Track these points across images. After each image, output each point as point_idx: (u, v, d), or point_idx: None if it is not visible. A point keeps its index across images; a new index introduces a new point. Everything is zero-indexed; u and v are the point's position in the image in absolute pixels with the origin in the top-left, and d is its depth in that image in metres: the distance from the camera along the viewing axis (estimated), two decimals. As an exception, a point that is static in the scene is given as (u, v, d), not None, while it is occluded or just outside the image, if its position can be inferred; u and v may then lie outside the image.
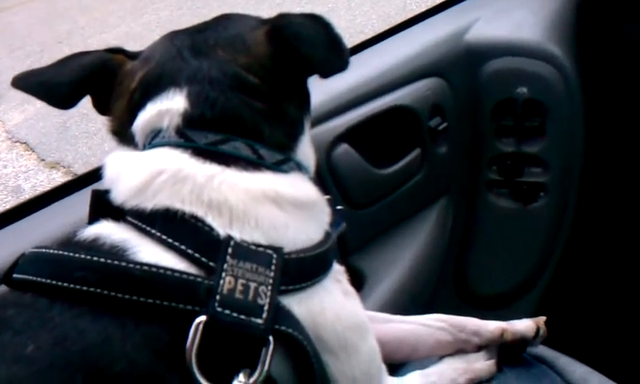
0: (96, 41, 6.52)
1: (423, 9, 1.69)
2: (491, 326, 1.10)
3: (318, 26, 0.88)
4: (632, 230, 1.74)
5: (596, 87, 1.58)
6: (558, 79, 1.48)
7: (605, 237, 1.76)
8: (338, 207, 0.95)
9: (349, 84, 1.41)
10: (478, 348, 1.10)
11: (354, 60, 1.50)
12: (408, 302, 1.40)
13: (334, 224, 0.91)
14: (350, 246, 1.38)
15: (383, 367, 0.93)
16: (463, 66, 1.54)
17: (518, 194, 1.57)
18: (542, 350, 1.13)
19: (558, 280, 1.65)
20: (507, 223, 1.61)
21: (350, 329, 0.83)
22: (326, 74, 0.88)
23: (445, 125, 1.50)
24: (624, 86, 1.60)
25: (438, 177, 1.53)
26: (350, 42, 1.56)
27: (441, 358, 1.10)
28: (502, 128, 1.54)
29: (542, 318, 1.12)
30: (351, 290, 0.89)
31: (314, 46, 0.86)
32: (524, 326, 1.11)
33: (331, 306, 0.82)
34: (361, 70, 1.46)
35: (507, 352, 1.11)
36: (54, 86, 0.91)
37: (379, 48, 1.56)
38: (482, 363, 1.08)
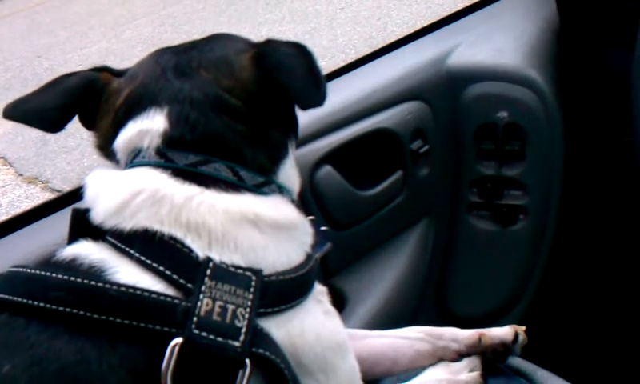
0: (76, 56, 6.50)
1: (404, 30, 1.71)
2: (468, 332, 1.12)
3: (300, 57, 0.88)
4: (611, 252, 1.77)
5: (575, 112, 1.61)
6: (537, 104, 1.51)
7: (584, 259, 1.78)
8: (322, 228, 0.95)
9: (332, 107, 1.43)
10: (460, 357, 1.10)
11: (338, 83, 1.53)
12: (389, 323, 1.40)
13: (317, 245, 0.91)
14: (331, 267, 1.39)
15: None
16: (445, 90, 1.56)
17: (498, 217, 1.59)
18: (521, 363, 1.14)
19: (538, 301, 1.67)
20: (487, 245, 1.63)
21: (329, 349, 0.84)
22: (302, 105, 0.89)
23: (426, 148, 1.52)
24: (602, 111, 1.63)
25: (419, 199, 1.55)
26: (331, 61, 1.59)
27: (423, 369, 1.10)
28: (482, 151, 1.56)
29: (522, 327, 1.13)
30: (332, 309, 0.89)
31: (294, 77, 0.86)
32: (502, 331, 1.12)
33: (311, 327, 0.82)
34: (344, 93, 1.47)
35: (489, 363, 1.11)
36: (45, 112, 0.92)
37: (362, 71, 1.58)
38: (466, 375, 1.08)
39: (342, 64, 1.63)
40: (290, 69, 0.87)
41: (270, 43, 0.92)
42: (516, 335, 1.11)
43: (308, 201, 1.35)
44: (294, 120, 0.97)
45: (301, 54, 0.89)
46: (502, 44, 1.58)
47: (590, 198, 1.73)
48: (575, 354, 1.73)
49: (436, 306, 1.67)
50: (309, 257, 0.86)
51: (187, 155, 0.83)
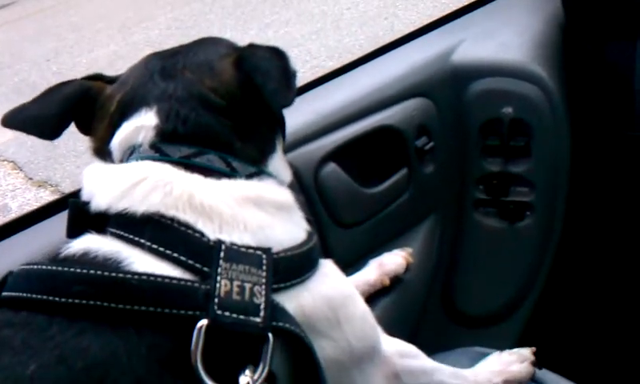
0: (85, 59, 6.53)
1: (411, 29, 1.70)
2: None
3: (275, 61, 0.93)
4: (618, 248, 1.76)
5: (580, 107, 1.60)
6: (542, 99, 1.50)
7: (591, 255, 1.78)
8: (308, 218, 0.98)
9: (336, 104, 1.43)
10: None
11: (342, 80, 1.53)
12: (396, 321, 1.40)
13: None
14: (338, 264, 1.39)
15: (377, 325, 0.98)
16: (449, 86, 1.55)
17: (505, 213, 1.58)
18: (542, 374, 1.15)
19: (546, 298, 1.66)
20: (494, 242, 1.62)
21: (340, 306, 0.88)
22: (273, 105, 0.93)
23: (431, 144, 1.51)
24: (607, 106, 1.62)
25: (424, 196, 1.54)
26: (338, 62, 1.58)
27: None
28: (488, 148, 1.56)
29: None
30: (334, 268, 0.95)
31: (267, 78, 0.90)
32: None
33: (321, 295, 0.86)
34: (348, 90, 1.47)
35: None
36: (42, 120, 0.95)
37: (366, 68, 1.58)
38: (518, 365, 1.14)
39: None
40: (264, 72, 0.91)
41: (250, 48, 0.98)
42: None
43: (313, 198, 1.36)
44: (280, 118, 1.01)
45: (276, 58, 0.94)
46: (506, 39, 1.58)
47: (596, 193, 1.72)
48: (582, 352, 1.72)
49: (443, 303, 1.66)
50: (310, 234, 0.91)
51: (180, 148, 0.87)
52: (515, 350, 1.18)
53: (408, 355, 1.04)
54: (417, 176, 1.51)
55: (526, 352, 1.16)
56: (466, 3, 1.78)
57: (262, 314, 0.75)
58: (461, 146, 1.58)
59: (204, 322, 0.72)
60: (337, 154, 1.39)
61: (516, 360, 1.15)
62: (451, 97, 1.55)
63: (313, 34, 5.70)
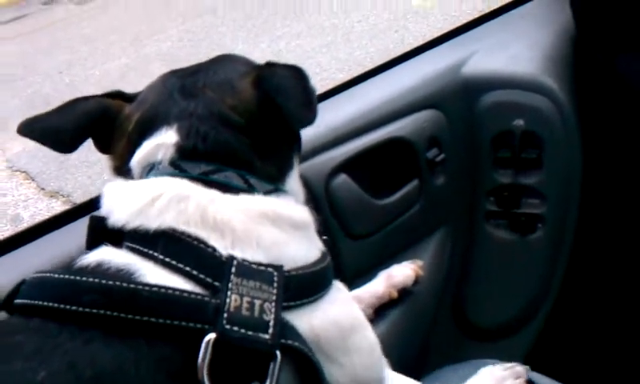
0: (97, 72, 6.57)
1: (421, 42, 1.71)
2: None
3: (296, 80, 0.93)
4: (631, 260, 1.74)
5: (592, 119, 1.60)
6: (554, 112, 1.50)
7: (604, 267, 1.76)
8: (324, 237, 0.98)
9: (348, 115, 1.43)
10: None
11: (353, 92, 1.54)
12: (405, 333, 1.40)
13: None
14: (347, 276, 1.39)
15: (383, 358, 0.97)
16: (460, 98, 1.55)
17: (516, 225, 1.57)
18: (541, 379, 1.14)
19: (558, 311, 1.65)
20: (505, 254, 1.61)
21: (350, 333, 0.88)
22: (294, 124, 0.94)
23: (442, 156, 1.51)
24: (619, 118, 1.62)
25: (435, 208, 1.54)
26: (349, 74, 1.59)
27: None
28: (499, 159, 1.55)
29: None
30: (347, 293, 0.94)
31: (288, 98, 0.90)
32: None
33: (332, 317, 0.86)
34: (359, 102, 1.48)
35: None
36: (58, 132, 0.95)
37: (377, 80, 1.58)
38: (511, 381, 1.12)
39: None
40: (285, 91, 0.91)
41: (269, 67, 0.98)
42: None
43: (323, 209, 1.36)
44: (297, 136, 1.02)
45: (296, 77, 0.93)
46: (517, 52, 1.57)
47: (608, 204, 1.71)
48: (594, 365, 1.71)
49: (453, 315, 1.66)
50: (324, 254, 0.91)
51: (199, 165, 0.87)
52: (509, 365, 1.16)
53: None
54: (427, 188, 1.51)
55: (521, 369, 1.14)
56: (477, 16, 1.78)
57: (270, 330, 0.75)
58: (472, 157, 1.58)
59: (212, 335, 0.73)
60: (348, 166, 1.39)
61: (509, 376, 1.13)
62: (462, 109, 1.55)
63: (323, 46, 5.72)
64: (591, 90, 1.61)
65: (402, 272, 1.38)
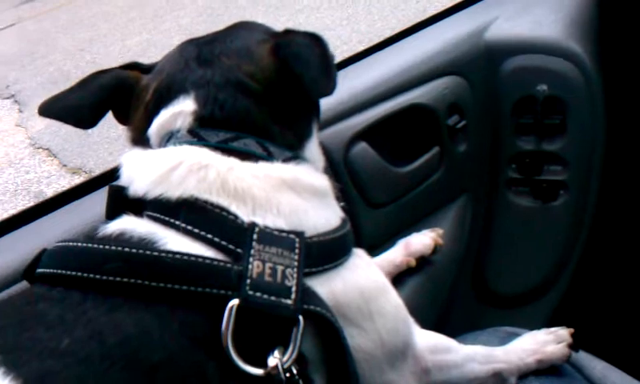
0: (117, 48, 6.59)
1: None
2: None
3: (315, 48, 0.92)
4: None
5: (617, 84, 1.57)
6: (578, 76, 1.47)
7: (625, 236, 1.74)
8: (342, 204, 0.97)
9: (368, 82, 1.42)
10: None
11: (374, 59, 1.52)
12: (425, 300, 1.39)
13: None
14: (367, 244, 1.38)
15: (410, 320, 0.97)
16: (482, 64, 1.53)
17: (538, 193, 1.56)
18: (576, 355, 1.12)
19: (578, 279, 1.63)
20: (527, 222, 1.60)
21: (372, 298, 0.88)
22: (313, 94, 0.94)
23: (463, 123, 1.49)
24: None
25: (456, 175, 1.53)
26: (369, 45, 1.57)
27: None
28: (521, 126, 1.53)
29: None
30: (368, 259, 0.94)
31: (307, 66, 0.89)
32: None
33: (353, 283, 0.85)
34: (380, 69, 1.46)
35: None
36: (78, 109, 0.95)
37: (398, 46, 1.57)
38: (553, 346, 1.10)
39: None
40: (304, 60, 0.90)
41: (288, 34, 0.97)
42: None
43: (343, 177, 1.35)
44: (316, 103, 1.01)
45: (316, 45, 0.92)
46: (540, 16, 1.54)
47: (632, 173, 1.68)
48: (617, 333, 1.69)
49: (474, 283, 1.65)
50: (344, 220, 0.91)
51: (218, 133, 0.87)
52: (553, 329, 1.14)
53: (440, 351, 1.02)
54: (448, 155, 1.49)
55: (564, 333, 1.12)
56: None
57: (293, 296, 0.75)
58: (493, 124, 1.56)
59: (235, 301, 0.73)
60: (367, 133, 1.38)
61: (552, 340, 1.11)
62: (484, 75, 1.53)
63: (344, 19, 5.67)
64: (616, 55, 1.58)
65: (421, 240, 1.37)
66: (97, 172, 4.34)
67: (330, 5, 6.16)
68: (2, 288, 1.00)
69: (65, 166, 4.61)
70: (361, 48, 1.61)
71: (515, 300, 1.65)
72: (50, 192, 4.32)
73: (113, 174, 0.93)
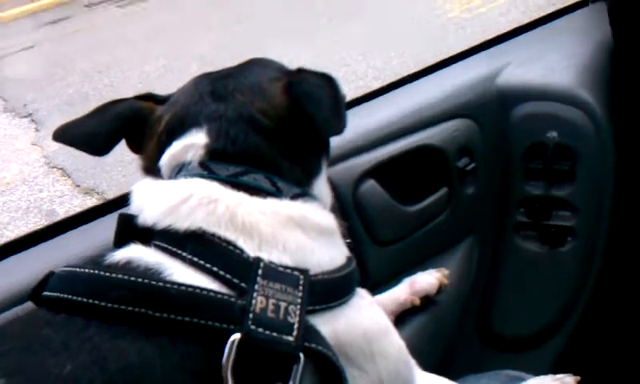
0: (136, 73, 6.66)
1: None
2: None
3: (327, 89, 0.93)
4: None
5: (628, 132, 1.57)
6: (588, 125, 1.48)
7: (633, 284, 1.73)
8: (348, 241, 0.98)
9: (379, 121, 1.43)
10: None
11: (385, 99, 1.54)
12: (429, 340, 1.39)
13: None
14: (373, 282, 1.39)
15: (412, 362, 0.97)
16: (494, 108, 1.54)
17: (546, 238, 1.56)
18: None
19: (584, 325, 1.62)
20: (534, 266, 1.60)
21: (375, 340, 0.88)
22: (323, 133, 0.95)
23: (473, 165, 1.50)
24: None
25: (464, 216, 1.53)
26: (385, 83, 1.59)
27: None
28: (531, 171, 1.54)
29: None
30: (372, 300, 0.94)
31: (319, 106, 0.91)
32: None
33: (356, 323, 0.86)
34: (392, 108, 1.48)
35: None
36: (93, 136, 0.97)
37: (411, 87, 1.58)
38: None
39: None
40: (316, 99, 0.92)
41: (300, 73, 0.98)
42: None
43: (351, 215, 1.36)
44: (326, 141, 1.02)
45: (327, 85, 0.94)
46: (553, 63, 1.56)
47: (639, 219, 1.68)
48: (622, 382, 1.68)
49: (478, 325, 1.64)
50: (349, 259, 0.91)
51: (228, 167, 0.88)
52: (559, 376, 1.14)
53: None
54: (456, 196, 1.50)
55: (570, 380, 1.13)
56: (514, 27, 1.77)
57: (295, 333, 0.75)
58: (503, 168, 1.56)
59: (237, 335, 0.73)
60: (376, 171, 1.39)
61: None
62: (495, 119, 1.54)
63: (360, 55, 5.73)
64: (627, 105, 1.59)
65: (426, 280, 1.38)
66: (109, 193, 4.39)
67: (347, 41, 6.22)
68: (11, 307, 1.01)
69: (78, 186, 4.66)
70: (376, 84, 1.63)
71: (520, 344, 1.64)
72: (61, 211, 4.35)
73: (124, 200, 0.94)
